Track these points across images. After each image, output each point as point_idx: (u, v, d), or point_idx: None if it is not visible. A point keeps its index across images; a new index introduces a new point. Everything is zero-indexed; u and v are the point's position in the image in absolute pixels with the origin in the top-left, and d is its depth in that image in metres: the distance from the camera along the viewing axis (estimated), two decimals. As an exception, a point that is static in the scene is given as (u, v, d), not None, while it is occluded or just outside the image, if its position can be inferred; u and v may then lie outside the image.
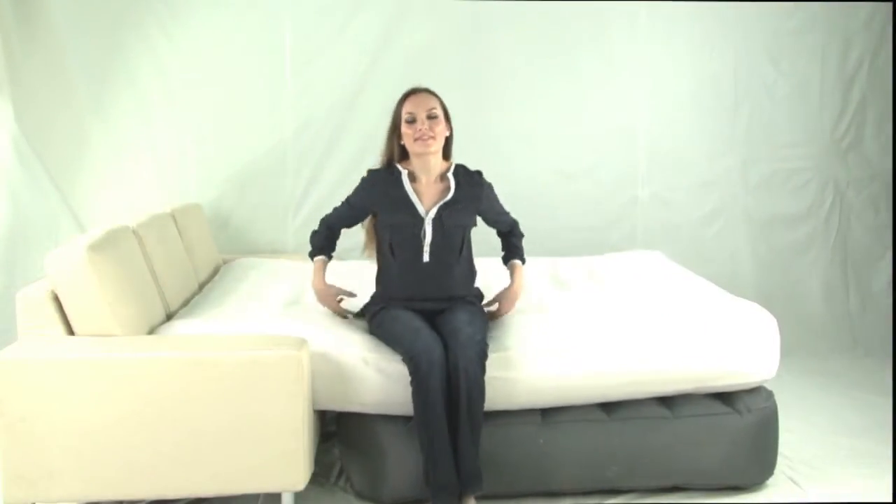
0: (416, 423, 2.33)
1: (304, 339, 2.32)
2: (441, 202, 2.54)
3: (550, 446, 2.49)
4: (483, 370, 2.32)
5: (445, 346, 2.34)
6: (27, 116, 3.83)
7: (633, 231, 4.30)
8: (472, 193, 2.61)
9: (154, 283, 2.60)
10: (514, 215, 2.91)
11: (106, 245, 2.32)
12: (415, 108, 2.48)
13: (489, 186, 2.71)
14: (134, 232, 2.60)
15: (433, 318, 2.52)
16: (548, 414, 2.53)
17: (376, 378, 2.41)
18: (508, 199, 4.02)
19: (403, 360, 2.37)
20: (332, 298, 2.70)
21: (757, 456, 2.62)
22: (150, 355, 2.14)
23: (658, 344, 2.54)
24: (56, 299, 2.26)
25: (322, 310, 2.73)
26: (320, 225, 2.71)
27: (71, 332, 2.29)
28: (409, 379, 2.34)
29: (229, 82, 4.04)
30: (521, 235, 2.86)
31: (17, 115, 3.79)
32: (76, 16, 3.86)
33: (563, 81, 4.21)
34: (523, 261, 2.79)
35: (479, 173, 2.69)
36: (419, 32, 4.08)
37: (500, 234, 2.85)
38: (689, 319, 2.64)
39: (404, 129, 2.50)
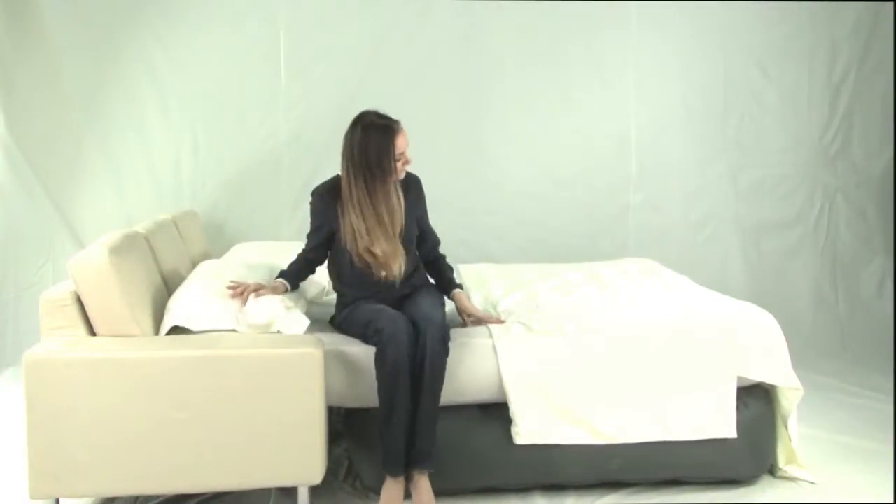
0: (379, 391, 2.54)
1: (320, 337, 2.58)
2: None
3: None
4: (446, 351, 2.57)
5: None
6: (20, 125, 4.02)
7: (625, 239, 4.57)
8: (415, 198, 2.86)
9: (164, 285, 2.82)
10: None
11: (125, 248, 2.56)
12: (404, 145, 2.73)
13: (423, 191, 2.93)
14: (145, 237, 2.84)
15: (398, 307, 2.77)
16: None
17: None
18: (499, 205, 4.41)
19: (369, 336, 2.61)
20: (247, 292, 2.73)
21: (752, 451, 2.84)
22: (171, 354, 2.35)
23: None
24: (79, 301, 2.48)
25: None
26: (297, 257, 2.91)
27: (92, 333, 2.50)
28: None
29: (224, 92, 4.27)
30: (450, 268, 3.06)
31: (9, 123, 3.98)
32: (70, 25, 4.06)
33: (553, 88, 4.47)
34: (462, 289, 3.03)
35: (418, 178, 2.90)
36: (411, 42, 4.36)
37: (427, 262, 3.02)
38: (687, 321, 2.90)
39: (396, 165, 2.71)
